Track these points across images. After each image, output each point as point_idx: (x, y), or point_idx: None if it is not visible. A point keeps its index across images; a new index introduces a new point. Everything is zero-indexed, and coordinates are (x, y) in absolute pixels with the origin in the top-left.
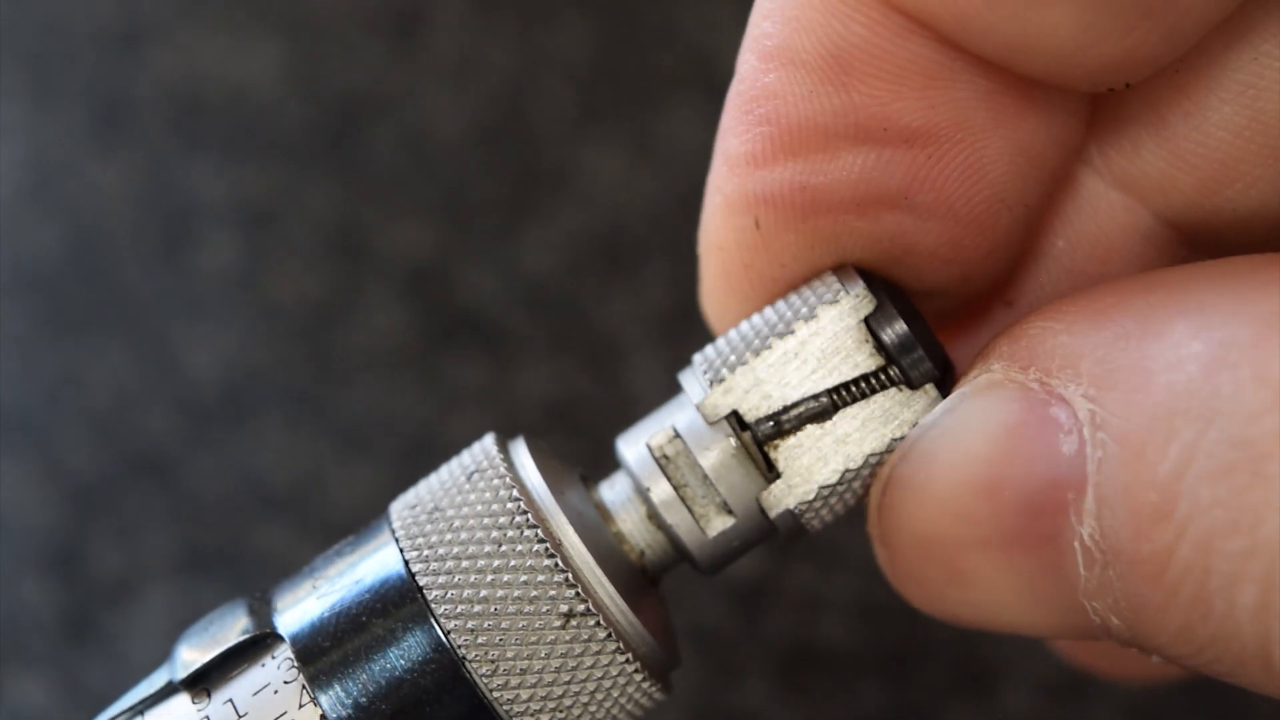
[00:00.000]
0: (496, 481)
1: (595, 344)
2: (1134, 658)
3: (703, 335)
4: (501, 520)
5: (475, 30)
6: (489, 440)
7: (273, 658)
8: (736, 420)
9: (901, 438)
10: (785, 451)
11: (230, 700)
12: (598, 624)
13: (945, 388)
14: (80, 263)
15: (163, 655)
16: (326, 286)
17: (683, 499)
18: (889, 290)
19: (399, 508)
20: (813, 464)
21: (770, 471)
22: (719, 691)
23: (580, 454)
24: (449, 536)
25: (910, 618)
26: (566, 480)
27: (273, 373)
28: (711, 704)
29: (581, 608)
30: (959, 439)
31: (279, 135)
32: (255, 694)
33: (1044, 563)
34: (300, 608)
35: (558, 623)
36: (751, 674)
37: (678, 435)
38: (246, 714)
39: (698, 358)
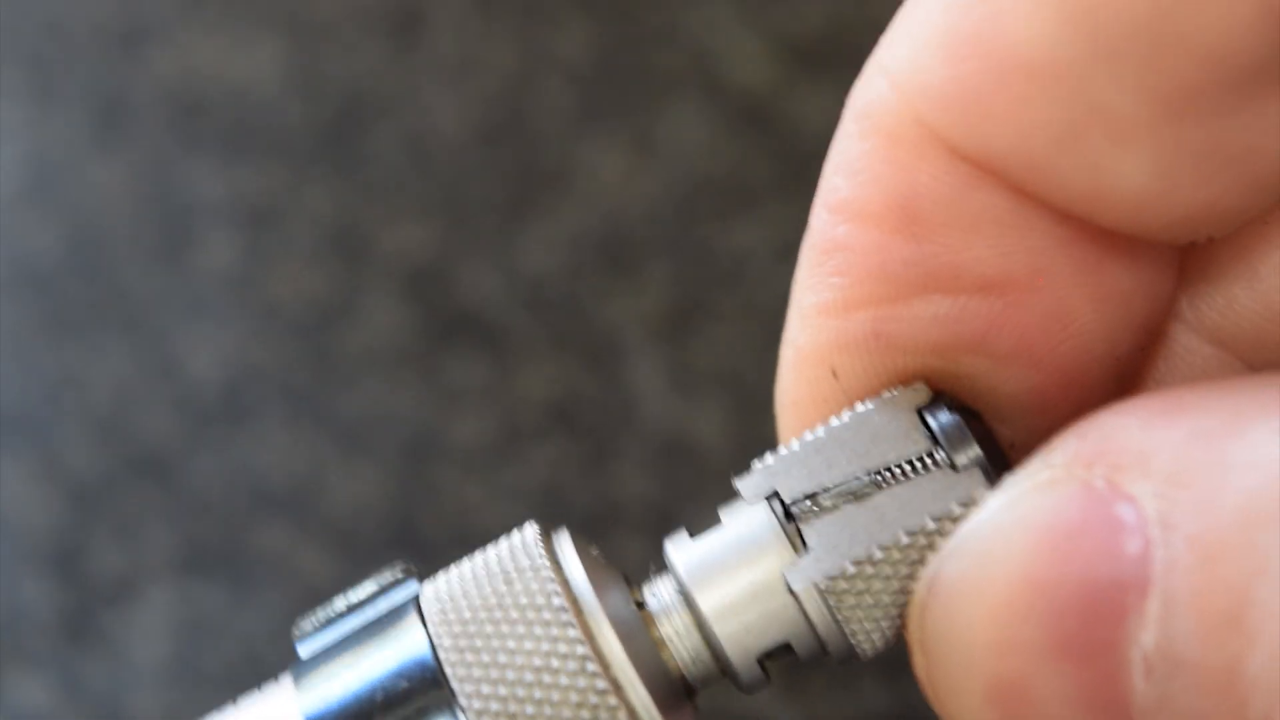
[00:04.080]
0: (531, 574)
1: (595, 344)
2: None
3: (702, 335)
4: (534, 607)
5: (475, 30)
6: (531, 533)
7: None
8: (778, 501)
9: (940, 516)
10: (818, 527)
11: None
12: None
13: (998, 480)
14: (80, 263)
15: (163, 655)
16: (326, 286)
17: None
18: (959, 404)
19: (432, 599)
20: (843, 539)
21: (803, 548)
22: (719, 692)
23: (580, 454)
24: (482, 642)
25: None
26: (608, 577)
27: (273, 373)
28: (712, 704)
29: (612, 702)
30: (1012, 537)
31: (279, 135)
32: None
33: (1097, 673)
34: (324, 688)
35: None
36: None
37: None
38: None
39: (756, 463)
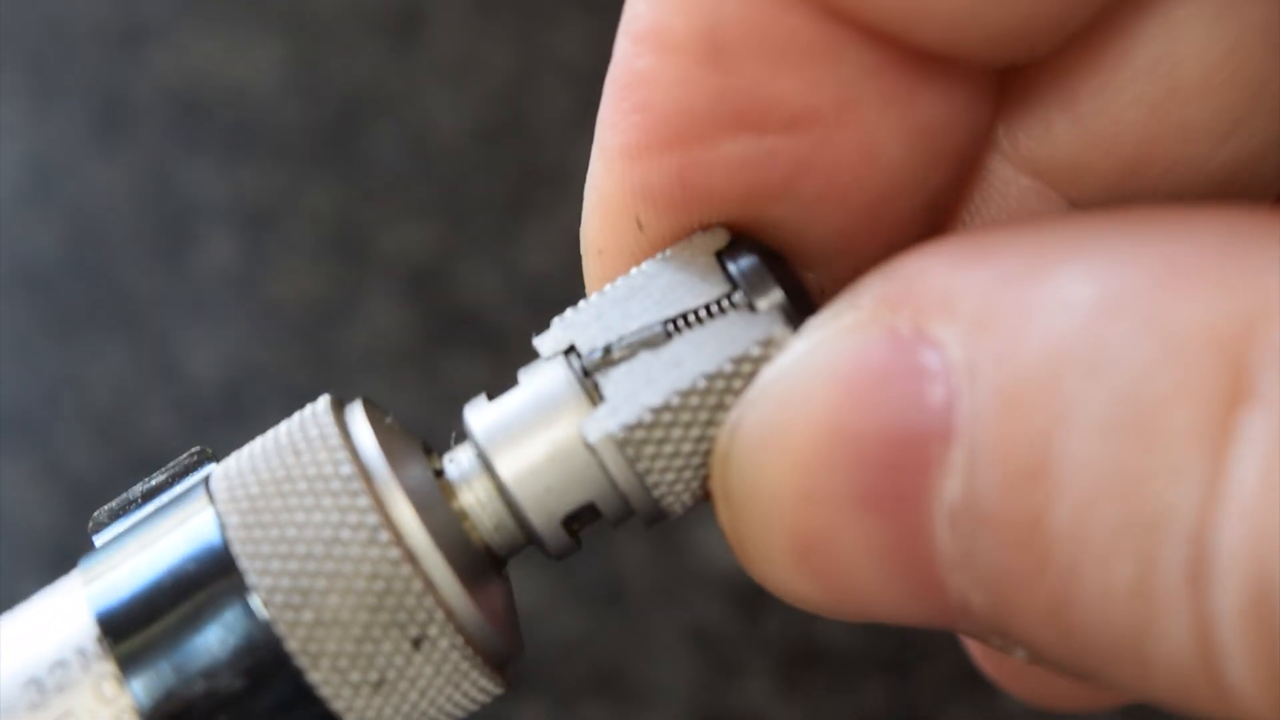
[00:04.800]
0: (318, 443)
1: None
2: (1069, 686)
3: None
4: (321, 478)
5: (475, 30)
6: (322, 404)
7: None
8: (575, 356)
9: (740, 357)
10: (614, 378)
11: None
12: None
13: (798, 320)
14: (80, 263)
15: None
16: (326, 286)
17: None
18: (759, 246)
19: (220, 478)
20: (639, 387)
21: (599, 400)
22: (719, 691)
23: None
24: (270, 518)
25: None
26: (404, 446)
27: (273, 373)
28: (711, 704)
29: (416, 595)
30: (814, 384)
31: (279, 135)
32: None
33: (902, 525)
34: (112, 578)
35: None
36: (751, 674)
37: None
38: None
39: (555, 320)
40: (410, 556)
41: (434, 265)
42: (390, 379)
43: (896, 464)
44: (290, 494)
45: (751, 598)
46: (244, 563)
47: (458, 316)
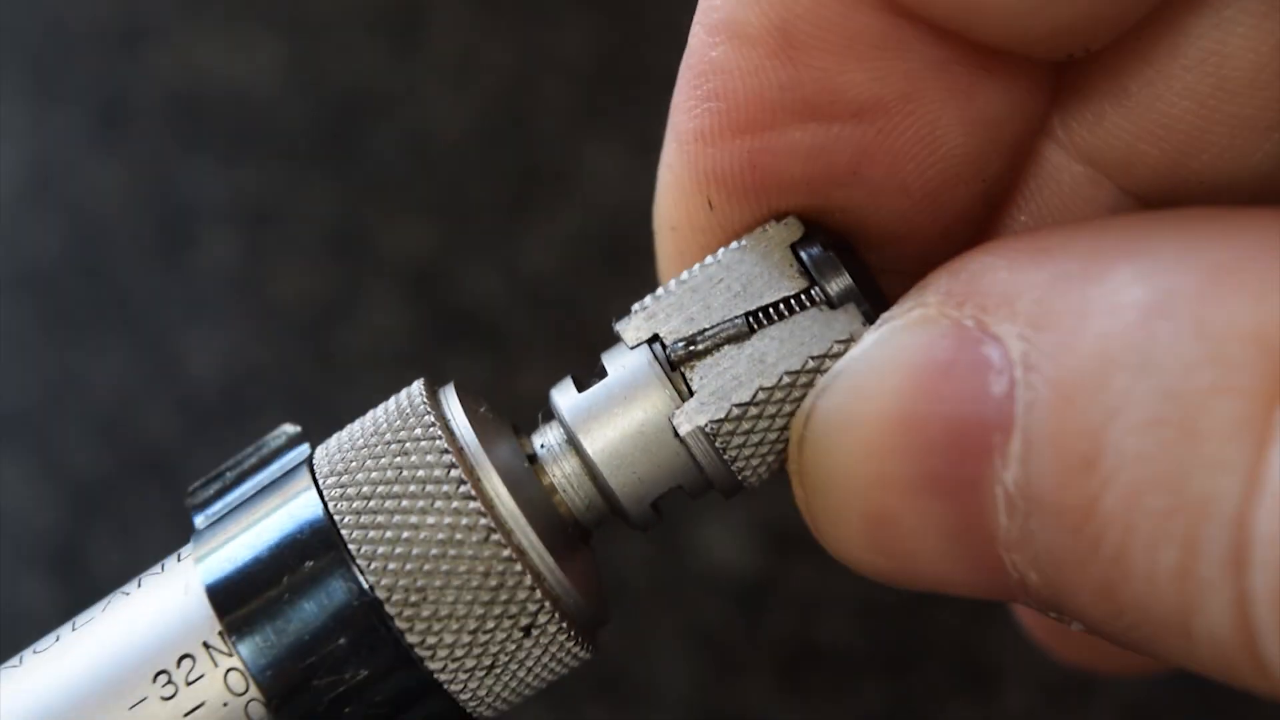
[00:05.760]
0: (426, 444)
1: (595, 344)
2: (1119, 652)
3: None
4: (433, 480)
5: (475, 30)
6: (419, 396)
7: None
8: (659, 344)
9: (821, 355)
10: (700, 371)
11: None
12: (527, 583)
13: (874, 318)
14: (80, 263)
15: None
16: (327, 286)
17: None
18: (832, 239)
19: (329, 473)
20: (727, 383)
21: (686, 392)
22: (719, 691)
23: None
24: (384, 519)
25: (910, 617)
26: (497, 431)
27: (273, 373)
28: (711, 704)
29: (526, 589)
30: (885, 373)
31: (279, 135)
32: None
33: (964, 509)
34: (227, 568)
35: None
36: (751, 674)
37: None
38: None
39: (635, 306)
40: (520, 552)
41: (434, 265)
42: (390, 379)
43: (960, 451)
44: (403, 496)
45: (751, 598)
46: (362, 562)
47: (458, 316)
